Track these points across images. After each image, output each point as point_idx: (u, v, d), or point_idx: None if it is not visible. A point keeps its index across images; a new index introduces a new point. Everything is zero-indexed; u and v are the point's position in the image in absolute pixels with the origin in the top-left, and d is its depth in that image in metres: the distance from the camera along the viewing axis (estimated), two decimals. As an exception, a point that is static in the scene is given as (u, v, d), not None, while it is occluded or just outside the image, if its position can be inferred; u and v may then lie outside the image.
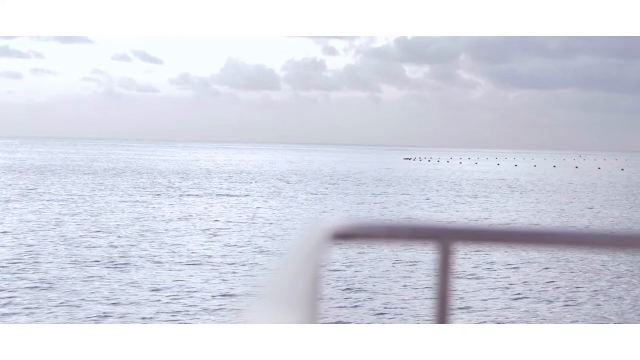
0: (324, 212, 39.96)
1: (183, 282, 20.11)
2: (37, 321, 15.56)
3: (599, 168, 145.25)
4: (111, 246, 26.00)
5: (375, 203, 48.07)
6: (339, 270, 20.86)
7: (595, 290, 19.90)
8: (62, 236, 28.25)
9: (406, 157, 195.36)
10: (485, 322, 16.23)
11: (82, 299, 17.72)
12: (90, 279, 20.16)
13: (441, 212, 43.55)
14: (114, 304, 17.46)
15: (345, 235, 1.95)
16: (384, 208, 44.10)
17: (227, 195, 52.27)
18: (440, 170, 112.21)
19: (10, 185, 55.72)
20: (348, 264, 21.88)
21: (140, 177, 70.65)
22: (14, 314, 16.26)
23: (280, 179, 75.32)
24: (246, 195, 52.03)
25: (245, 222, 34.78)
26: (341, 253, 22.56)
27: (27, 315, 16.09)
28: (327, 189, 61.70)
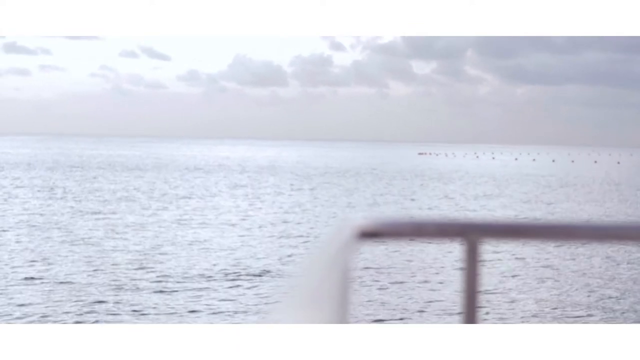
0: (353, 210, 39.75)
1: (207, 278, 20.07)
2: (37, 321, 15.51)
3: (619, 163, 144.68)
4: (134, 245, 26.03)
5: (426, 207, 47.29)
6: (366, 269, 20.71)
7: (631, 285, 19.69)
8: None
9: (420, 152, 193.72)
10: (514, 321, 16.03)
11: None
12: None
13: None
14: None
15: (372, 233, 1.95)
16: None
17: (251, 192, 52.28)
18: (467, 166, 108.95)
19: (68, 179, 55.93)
20: (375, 262, 21.76)
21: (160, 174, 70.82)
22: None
23: (309, 176, 75.19)
24: (279, 193, 51.99)
25: (279, 220, 34.76)
26: (368, 251, 22.45)
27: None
28: (358, 186, 60.93)
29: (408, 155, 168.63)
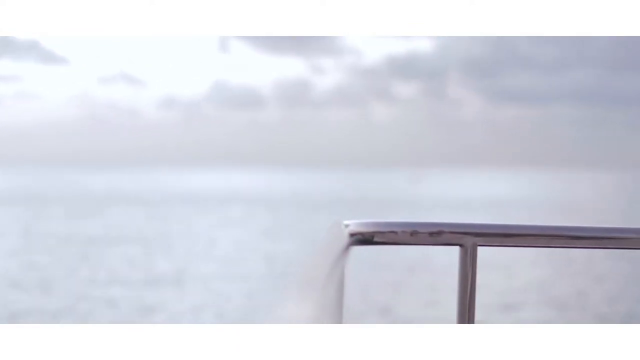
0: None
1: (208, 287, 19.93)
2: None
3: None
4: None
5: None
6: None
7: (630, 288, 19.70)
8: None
9: (411, 178, 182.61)
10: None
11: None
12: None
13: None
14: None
15: (367, 237, 1.93)
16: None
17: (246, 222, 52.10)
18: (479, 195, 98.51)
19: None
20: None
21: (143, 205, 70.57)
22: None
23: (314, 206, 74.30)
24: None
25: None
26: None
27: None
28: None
29: (397, 181, 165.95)
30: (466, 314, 1.94)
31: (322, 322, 1.04)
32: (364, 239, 1.90)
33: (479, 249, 1.97)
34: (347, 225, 1.92)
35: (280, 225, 44.63)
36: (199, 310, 17.77)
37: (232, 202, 71.48)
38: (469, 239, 1.94)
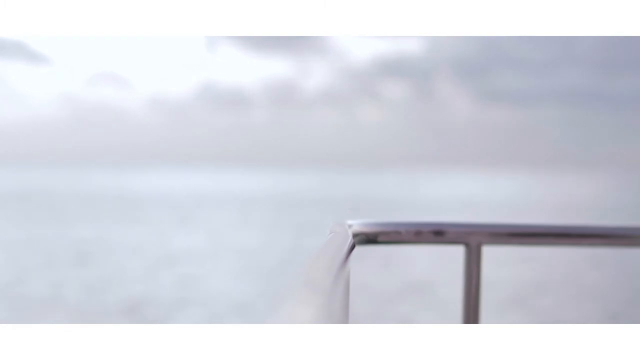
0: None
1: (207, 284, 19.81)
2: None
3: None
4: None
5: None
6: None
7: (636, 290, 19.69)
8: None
9: (400, 178, 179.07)
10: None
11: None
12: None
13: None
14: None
15: (371, 237, 1.95)
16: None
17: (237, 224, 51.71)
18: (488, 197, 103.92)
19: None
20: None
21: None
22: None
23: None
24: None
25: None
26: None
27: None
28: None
29: (386, 181, 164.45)
30: (471, 314, 1.95)
31: (328, 322, 1.07)
32: (368, 238, 1.90)
33: (484, 248, 2.03)
34: (350, 225, 1.92)
35: (271, 224, 44.51)
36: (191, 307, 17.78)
37: (221, 201, 71.06)
38: (473, 238, 1.95)
